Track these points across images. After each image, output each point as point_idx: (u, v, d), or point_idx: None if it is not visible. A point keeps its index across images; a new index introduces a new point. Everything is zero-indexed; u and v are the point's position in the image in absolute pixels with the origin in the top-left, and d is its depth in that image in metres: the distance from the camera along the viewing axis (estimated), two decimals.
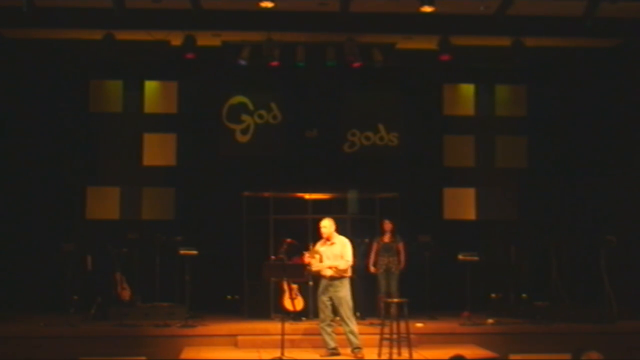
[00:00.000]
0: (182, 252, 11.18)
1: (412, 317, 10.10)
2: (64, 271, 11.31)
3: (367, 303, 11.72)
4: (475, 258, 11.45)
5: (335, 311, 9.57)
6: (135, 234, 12.28)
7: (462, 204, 14.09)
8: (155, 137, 13.76)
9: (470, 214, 14.09)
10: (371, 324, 10.94)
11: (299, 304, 11.30)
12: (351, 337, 9.51)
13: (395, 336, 9.54)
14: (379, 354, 9.60)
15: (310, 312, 11.36)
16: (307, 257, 9.76)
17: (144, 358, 9.44)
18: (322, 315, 9.60)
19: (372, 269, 11.77)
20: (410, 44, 12.57)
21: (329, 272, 9.56)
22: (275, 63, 12.08)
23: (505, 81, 14.29)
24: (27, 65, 12.85)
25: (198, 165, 13.58)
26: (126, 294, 11.94)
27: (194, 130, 13.72)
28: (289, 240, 11.12)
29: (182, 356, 9.81)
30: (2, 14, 11.03)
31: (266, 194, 12.39)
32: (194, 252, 11.16)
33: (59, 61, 13.17)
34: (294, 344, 10.19)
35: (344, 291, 9.52)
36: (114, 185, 13.61)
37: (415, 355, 9.57)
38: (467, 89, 14.29)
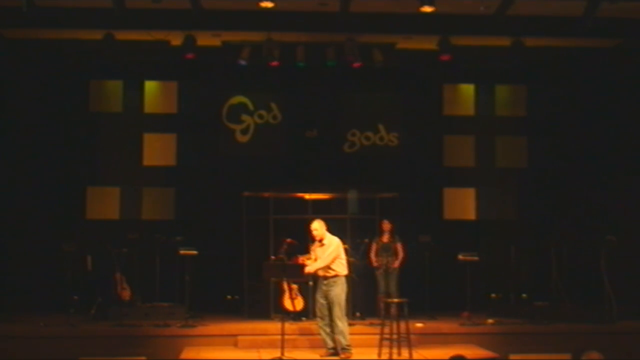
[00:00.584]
0: (182, 252, 11.18)
1: (412, 317, 10.10)
2: (64, 271, 11.29)
3: (367, 303, 11.72)
4: (475, 258, 11.46)
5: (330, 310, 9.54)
6: (135, 234, 12.26)
7: (462, 204, 14.09)
8: (155, 137, 13.76)
9: (470, 214, 14.09)
10: (371, 324, 10.96)
11: (299, 304, 11.30)
12: (340, 337, 9.48)
13: (395, 336, 9.55)
14: (379, 354, 9.60)
15: (310, 312, 11.34)
16: (301, 259, 9.78)
17: (144, 358, 9.46)
18: (320, 315, 9.60)
19: (374, 261, 11.75)
20: (410, 44, 12.57)
21: (321, 272, 9.55)
22: (275, 63, 12.07)
23: (505, 81, 14.28)
24: (27, 65, 12.85)
25: (198, 165, 13.58)
26: (126, 294, 11.93)
27: (194, 130, 13.72)
28: (289, 240, 11.12)
29: (182, 356, 9.81)
30: (2, 14, 11.03)
31: (266, 194, 12.39)
32: (194, 252, 11.16)
33: (59, 61, 13.16)
34: (294, 344, 10.20)
35: (337, 290, 9.50)
36: (114, 185, 13.61)
37: (415, 355, 9.57)
38: (467, 89, 14.29)
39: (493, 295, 12.67)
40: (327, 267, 9.52)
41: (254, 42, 11.99)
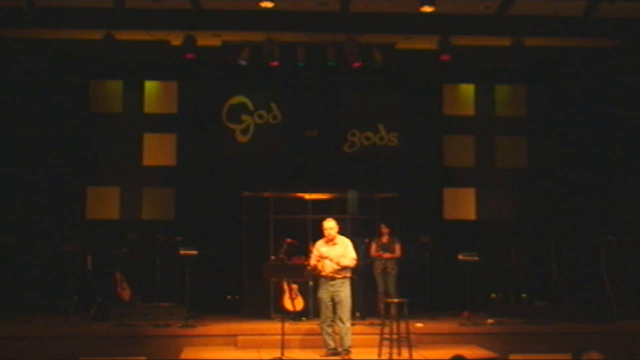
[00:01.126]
0: (182, 252, 11.18)
1: (412, 317, 10.10)
2: (64, 271, 11.29)
3: (367, 303, 11.73)
4: (475, 258, 11.45)
5: (334, 311, 9.55)
6: (135, 234, 12.28)
7: (462, 204, 14.09)
8: (155, 137, 13.75)
9: (470, 214, 14.08)
10: (371, 324, 10.96)
11: (299, 304, 11.30)
12: (345, 338, 9.49)
13: (395, 336, 9.55)
14: (379, 354, 9.61)
15: (310, 312, 11.36)
16: (314, 260, 9.68)
17: (144, 358, 9.44)
18: (323, 316, 9.58)
19: (373, 250, 11.74)
20: (410, 44, 12.57)
21: (331, 272, 9.52)
22: (275, 63, 12.07)
23: (505, 81, 14.27)
24: (27, 65, 12.85)
25: (198, 165, 13.58)
26: (126, 294, 11.94)
27: (194, 130, 13.71)
28: (289, 240, 11.15)
29: (182, 356, 9.81)
30: (2, 14, 11.03)
31: (266, 194, 12.40)
32: (194, 252, 11.15)
33: (59, 61, 13.16)
34: (294, 344, 10.21)
35: (346, 291, 9.52)
36: (114, 185, 13.60)
37: (415, 355, 9.58)
38: (467, 89, 14.28)
39: (493, 295, 12.68)
40: (340, 268, 9.49)
41: (254, 42, 11.99)
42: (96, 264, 11.96)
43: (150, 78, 13.83)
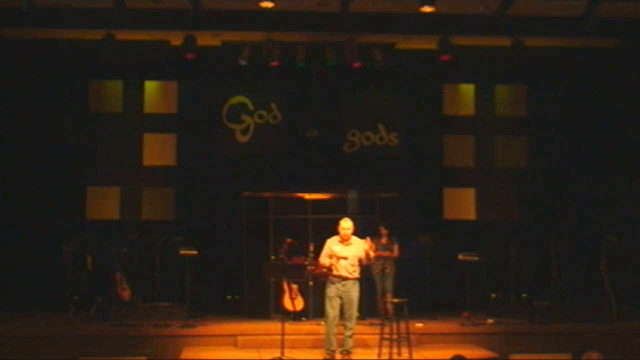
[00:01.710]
0: (182, 252, 11.18)
1: (412, 317, 10.10)
2: (64, 271, 11.31)
3: (367, 303, 11.72)
4: (475, 258, 11.46)
5: (341, 311, 9.48)
6: (135, 234, 12.27)
7: (462, 204, 14.08)
8: (155, 137, 13.75)
9: (470, 214, 14.08)
10: (371, 324, 10.96)
11: (299, 304, 11.31)
12: (349, 339, 9.47)
13: (395, 336, 9.55)
14: (379, 354, 9.61)
15: (310, 312, 11.36)
16: (325, 259, 9.55)
17: (144, 358, 9.45)
18: (332, 315, 9.40)
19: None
20: (410, 44, 12.57)
21: (344, 273, 9.45)
22: (275, 63, 12.08)
23: (505, 81, 14.27)
24: (27, 65, 12.85)
25: (198, 165, 13.57)
26: (126, 294, 11.93)
27: (194, 130, 13.70)
28: (289, 240, 11.14)
29: (182, 356, 9.81)
30: (2, 14, 11.03)
31: (266, 194, 12.40)
32: (194, 252, 11.16)
33: (59, 61, 13.16)
34: (294, 344, 10.19)
35: (357, 292, 9.48)
36: (114, 185, 13.60)
37: (415, 355, 9.58)
38: (467, 89, 14.28)
39: (493, 295, 12.66)
40: (353, 269, 9.46)
41: (254, 42, 11.99)
42: (96, 264, 11.95)
43: (150, 78, 13.83)
